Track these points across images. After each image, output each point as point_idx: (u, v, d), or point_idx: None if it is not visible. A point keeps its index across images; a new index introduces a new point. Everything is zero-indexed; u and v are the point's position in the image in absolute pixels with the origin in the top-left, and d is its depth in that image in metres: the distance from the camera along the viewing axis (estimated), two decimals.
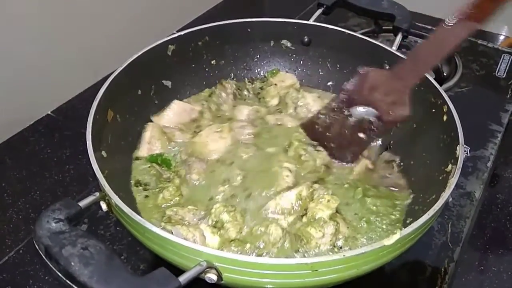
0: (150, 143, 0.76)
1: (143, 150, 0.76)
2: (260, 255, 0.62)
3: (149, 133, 0.77)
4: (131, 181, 0.73)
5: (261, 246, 0.63)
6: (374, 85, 0.64)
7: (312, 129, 0.72)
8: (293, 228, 0.65)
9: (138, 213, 0.67)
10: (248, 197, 0.69)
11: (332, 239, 0.63)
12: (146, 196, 0.70)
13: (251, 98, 0.91)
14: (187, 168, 0.73)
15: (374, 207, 0.69)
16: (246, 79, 0.94)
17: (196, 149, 0.76)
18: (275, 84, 0.90)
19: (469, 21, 0.61)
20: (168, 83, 0.86)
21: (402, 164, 0.77)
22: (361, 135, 0.66)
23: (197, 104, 0.86)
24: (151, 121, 0.81)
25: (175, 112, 0.81)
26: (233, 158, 0.74)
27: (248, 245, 0.63)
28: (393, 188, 0.73)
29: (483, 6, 0.60)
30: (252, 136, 0.79)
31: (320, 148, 0.76)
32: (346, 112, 0.66)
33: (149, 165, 0.75)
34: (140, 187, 0.72)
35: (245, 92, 0.92)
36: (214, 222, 0.64)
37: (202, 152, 0.75)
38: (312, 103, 0.85)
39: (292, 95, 0.88)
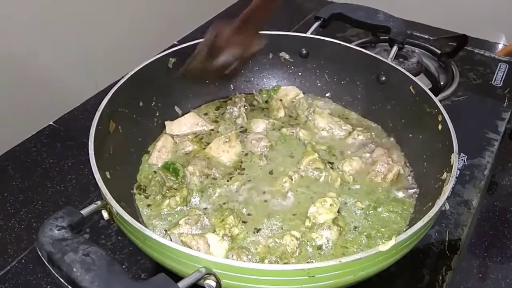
0: (160, 151, 0.79)
1: (153, 159, 0.79)
2: None
3: (161, 143, 0.80)
4: (134, 189, 0.74)
5: (280, 259, 0.62)
6: (230, 38, 0.75)
7: (188, 74, 0.80)
8: (305, 236, 0.66)
9: (142, 222, 0.68)
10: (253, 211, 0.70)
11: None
12: (149, 205, 0.71)
13: (261, 109, 0.92)
14: (186, 163, 0.75)
15: (387, 213, 0.70)
16: (254, 90, 0.95)
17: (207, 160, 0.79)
18: (280, 100, 0.91)
19: None
20: (169, 95, 0.87)
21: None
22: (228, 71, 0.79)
23: (208, 123, 0.87)
24: (155, 131, 0.83)
25: (188, 123, 0.84)
26: (245, 167, 0.78)
27: (266, 261, 0.63)
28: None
29: None
30: (267, 149, 0.81)
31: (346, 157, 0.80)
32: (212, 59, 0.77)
33: (153, 172, 0.76)
34: (142, 195, 0.73)
35: (255, 103, 0.93)
36: (225, 234, 0.65)
37: (214, 162, 0.78)
38: (319, 119, 0.86)
39: (304, 105, 0.89)
